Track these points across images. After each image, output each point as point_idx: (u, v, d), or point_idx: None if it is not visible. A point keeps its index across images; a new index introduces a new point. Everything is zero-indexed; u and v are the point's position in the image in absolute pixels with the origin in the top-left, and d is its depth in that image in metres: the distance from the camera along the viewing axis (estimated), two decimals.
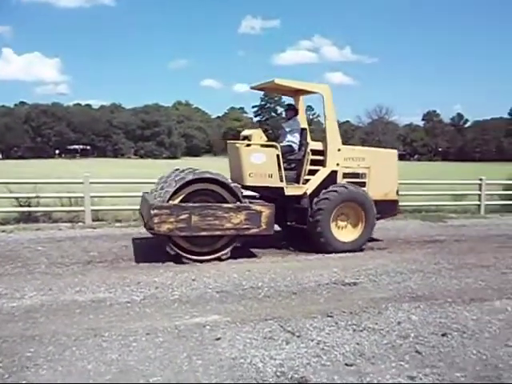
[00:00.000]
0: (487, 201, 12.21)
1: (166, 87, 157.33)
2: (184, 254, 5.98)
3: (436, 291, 5.02)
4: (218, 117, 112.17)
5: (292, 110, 7.54)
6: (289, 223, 6.97)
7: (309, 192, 6.80)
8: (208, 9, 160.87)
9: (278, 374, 3.06)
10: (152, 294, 4.67)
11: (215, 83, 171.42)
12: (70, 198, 9.54)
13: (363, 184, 7.19)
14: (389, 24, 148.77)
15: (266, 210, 6.19)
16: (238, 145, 6.75)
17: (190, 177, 6.02)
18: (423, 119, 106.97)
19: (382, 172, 7.35)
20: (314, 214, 6.65)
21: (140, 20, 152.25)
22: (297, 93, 7.76)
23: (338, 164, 7.02)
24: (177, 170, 6.74)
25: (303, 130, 7.39)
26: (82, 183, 9.28)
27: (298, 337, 3.68)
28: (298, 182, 6.90)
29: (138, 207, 9.57)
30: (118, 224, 9.12)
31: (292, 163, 7.05)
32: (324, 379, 3.01)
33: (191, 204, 5.91)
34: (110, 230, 8.50)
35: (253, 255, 6.58)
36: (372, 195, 7.11)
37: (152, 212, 5.65)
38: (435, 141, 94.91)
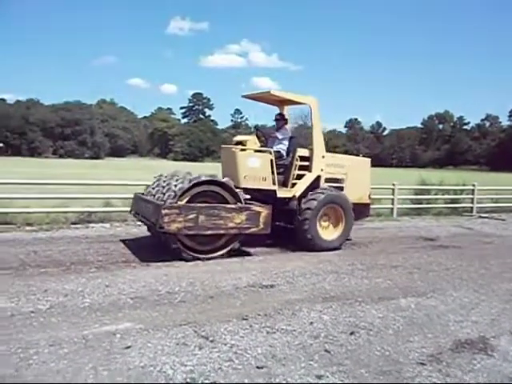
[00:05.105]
0: (399, 204, 13.01)
1: (89, 84, 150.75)
2: (189, 252, 6.29)
3: (348, 291, 5.24)
4: (145, 117, 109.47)
5: (282, 120, 8.06)
6: (277, 223, 7.31)
7: (297, 195, 7.33)
8: (135, 7, 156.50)
9: (188, 380, 3.02)
10: (60, 303, 4.41)
11: (142, 82, 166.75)
12: None
13: (341, 188, 7.87)
14: (314, 33, 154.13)
15: (264, 211, 6.67)
16: (234, 149, 7.10)
17: (199, 179, 6.32)
18: (345, 126, 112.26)
19: (357, 178, 8.12)
20: (302, 213, 7.18)
21: (64, 13, 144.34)
22: (284, 103, 8.25)
23: (322, 169, 7.67)
24: (166, 175, 7.09)
25: (292, 138, 8.04)
26: None
27: (212, 341, 3.66)
28: (285, 186, 7.40)
29: (52, 210, 9.12)
30: (28, 228, 8.53)
31: (280, 168, 7.44)
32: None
33: (199, 204, 6.23)
34: (18, 235, 7.92)
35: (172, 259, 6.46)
36: None
37: (162, 212, 5.92)
38: (357, 147, 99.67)
